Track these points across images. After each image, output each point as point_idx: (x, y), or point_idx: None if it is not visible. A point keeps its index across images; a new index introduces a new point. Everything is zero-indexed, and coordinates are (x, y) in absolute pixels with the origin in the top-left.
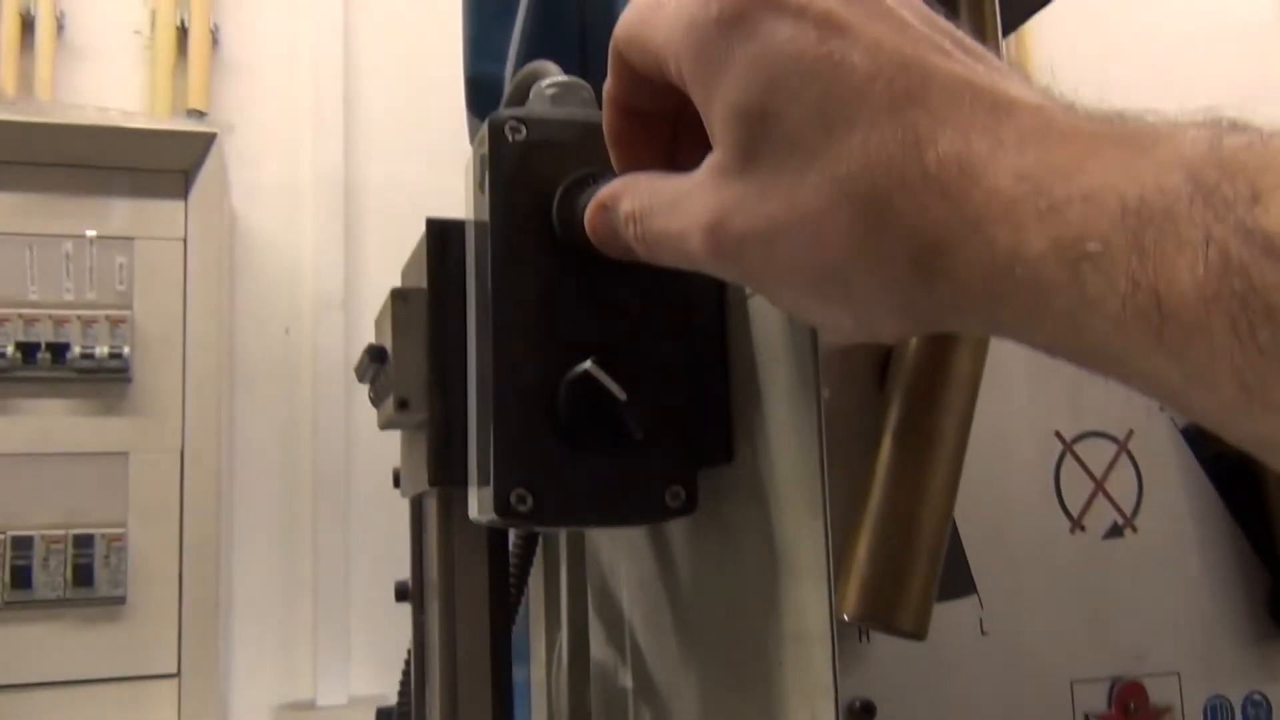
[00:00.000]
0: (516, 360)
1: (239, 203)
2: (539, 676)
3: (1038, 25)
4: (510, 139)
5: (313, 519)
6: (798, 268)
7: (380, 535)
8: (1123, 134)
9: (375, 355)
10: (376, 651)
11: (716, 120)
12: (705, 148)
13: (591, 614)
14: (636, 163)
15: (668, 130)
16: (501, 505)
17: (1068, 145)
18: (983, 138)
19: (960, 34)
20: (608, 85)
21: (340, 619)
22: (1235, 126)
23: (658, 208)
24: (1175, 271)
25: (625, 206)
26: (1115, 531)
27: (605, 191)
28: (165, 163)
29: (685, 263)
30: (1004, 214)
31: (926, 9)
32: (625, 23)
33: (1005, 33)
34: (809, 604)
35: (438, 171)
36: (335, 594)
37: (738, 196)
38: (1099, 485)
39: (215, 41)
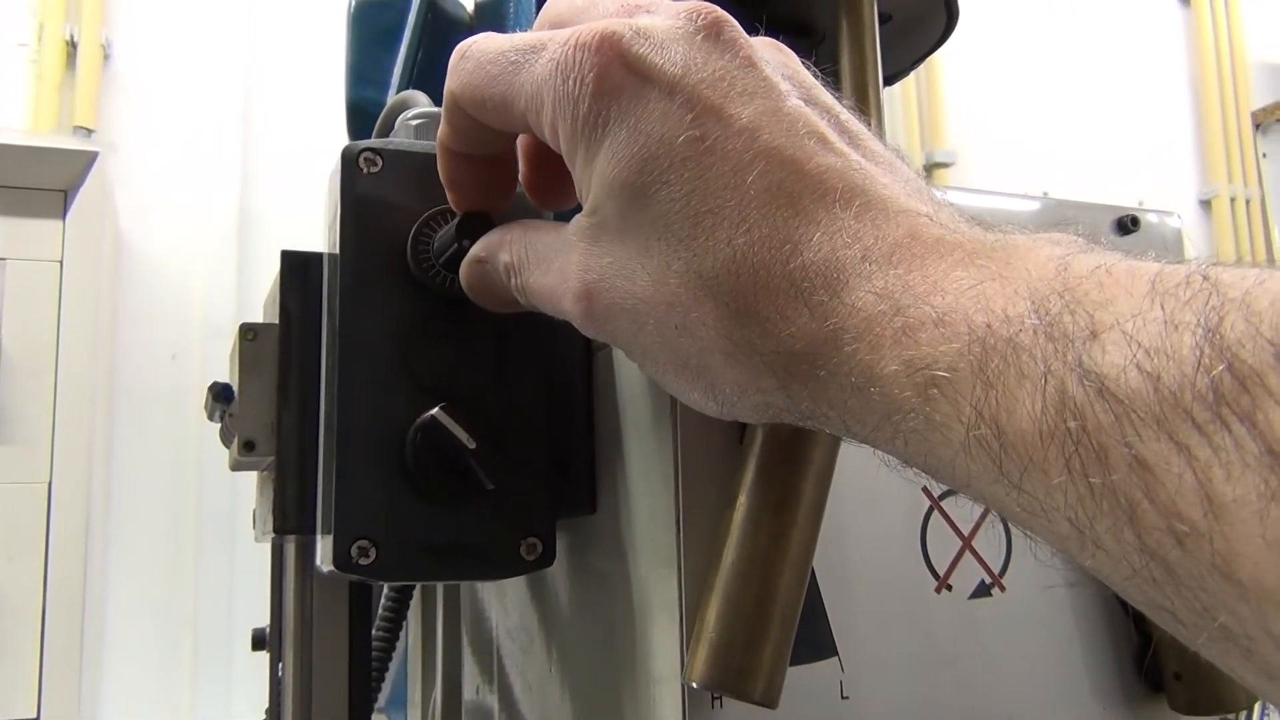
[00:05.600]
0: (363, 402)
1: (126, 225)
2: None
3: (948, 71)
4: (365, 171)
5: (195, 555)
6: (664, 350)
7: (268, 574)
8: (981, 249)
9: (219, 394)
10: (261, 698)
11: (590, 188)
12: (562, 174)
13: (466, 661)
14: (477, 204)
15: (506, 168)
16: (341, 557)
17: (928, 261)
18: (850, 246)
19: (839, 108)
20: (443, 134)
21: (222, 663)
22: (1088, 248)
23: (533, 260)
24: (1015, 404)
25: (504, 258)
26: (983, 591)
27: (480, 245)
28: (42, 181)
29: (562, 317)
30: (863, 331)
31: (807, 75)
32: (465, 77)
33: (890, 81)
34: (666, 653)
35: None
36: (218, 636)
37: (606, 268)
38: (966, 543)
39: (107, 57)
